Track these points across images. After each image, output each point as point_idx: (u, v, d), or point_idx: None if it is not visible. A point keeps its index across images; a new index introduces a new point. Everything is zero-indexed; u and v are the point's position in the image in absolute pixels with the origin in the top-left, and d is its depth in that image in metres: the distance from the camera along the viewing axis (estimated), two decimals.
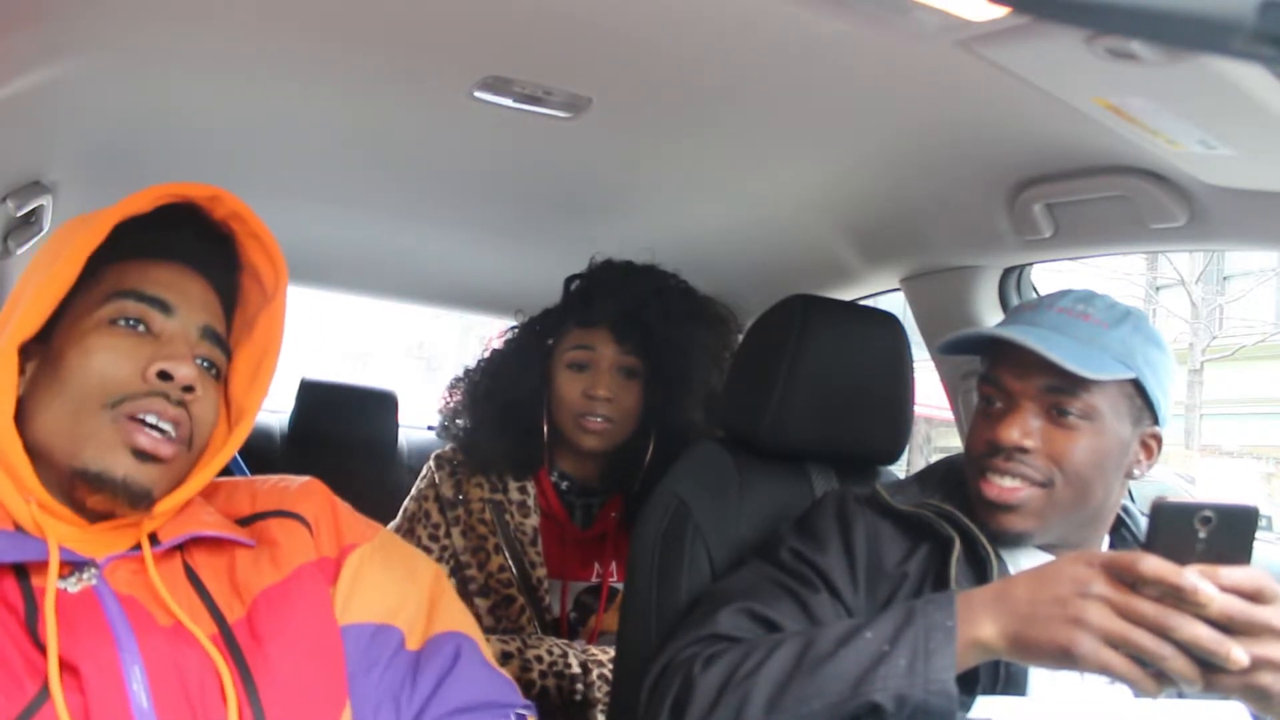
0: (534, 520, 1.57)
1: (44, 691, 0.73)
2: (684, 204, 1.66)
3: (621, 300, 1.57)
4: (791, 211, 1.62)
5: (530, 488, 1.60)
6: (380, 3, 1.04)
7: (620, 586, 1.60)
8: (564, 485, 1.64)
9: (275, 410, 2.68)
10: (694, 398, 1.58)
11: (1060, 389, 1.03)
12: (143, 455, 0.83)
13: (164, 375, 0.85)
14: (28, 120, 1.24)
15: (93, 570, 0.82)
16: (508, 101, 1.24)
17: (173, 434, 0.85)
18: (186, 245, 0.93)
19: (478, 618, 1.44)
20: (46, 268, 0.86)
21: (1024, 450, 1.03)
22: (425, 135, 1.42)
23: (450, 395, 1.68)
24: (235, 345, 0.95)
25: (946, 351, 1.15)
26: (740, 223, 1.71)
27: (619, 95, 1.22)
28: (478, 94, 1.22)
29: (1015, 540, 1.05)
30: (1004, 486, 1.04)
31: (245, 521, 0.95)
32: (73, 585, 0.80)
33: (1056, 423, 1.03)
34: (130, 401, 0.84)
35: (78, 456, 0.82)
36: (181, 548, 0.89)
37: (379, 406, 2.67)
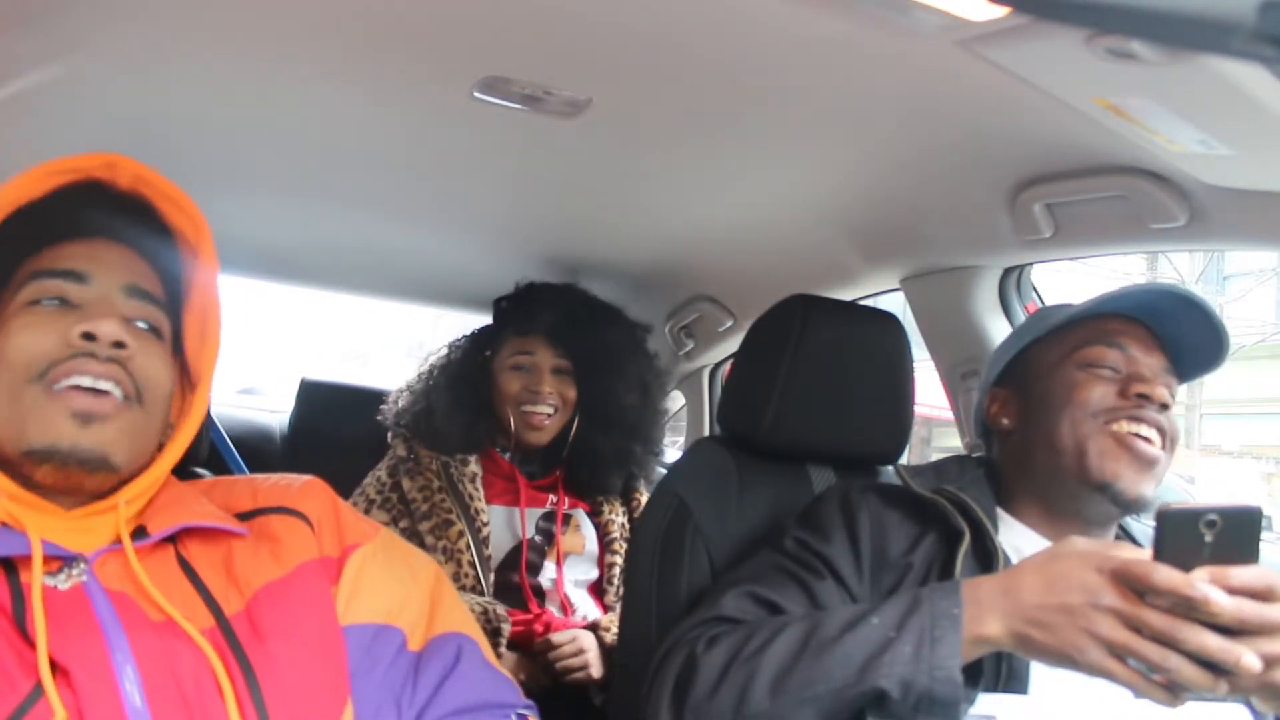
0: (474, 468, 1.81)
1: (37, 689, 0.73)
2: (684, 204, 1.66)
3: (556, 311, 1.85)
4: (791, 211, 1.62)
5: (473, 452, 1.84)
6: (380, 3, 1.04)
7: (572, 512, 1.86)
8: (506, 455, 1.87)
9: (275, 410, 2.68)
10: (624, 383, 1.86)
11: (1170, 371, 1.11)
12: (84, 417, 0.82)
13: (88, 336, 0.83)
14: (28, 120, 1.24)
15: (82, 566, 0.81)
16: (508, 102, 1.24)
17: (112, 391, 0.83)
18: (98, 220, 0.90)
19: (420, 540, 1.71)
20: None
21: (1166, 406, 1.08)
22: (425, 135, 1.42)
23: (395, 400, 1.94)
24: (184, 311, 0.94)
25: (1103, 304, 1.14)
26: (740, 223, 1.71)
27: (619, 95, 1.22)
28: (478, 94, 1.22)
29: (1133, 507, 1.09)
30: (1149, 439, 1.07)
31: (245, 517, 0.94)
32: (62, 582, 0.80)
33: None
34: (56, 367, 0.82)
35: (23, 438, 0.82)
36: (175, 540, 0.88)
37: (379, 407, 2.66)
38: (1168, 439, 1.08)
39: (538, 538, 1.80)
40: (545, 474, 1.89)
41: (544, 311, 1.85)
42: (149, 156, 1.47)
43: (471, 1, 1.02)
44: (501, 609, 1.64)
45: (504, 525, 1.79)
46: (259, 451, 2.39)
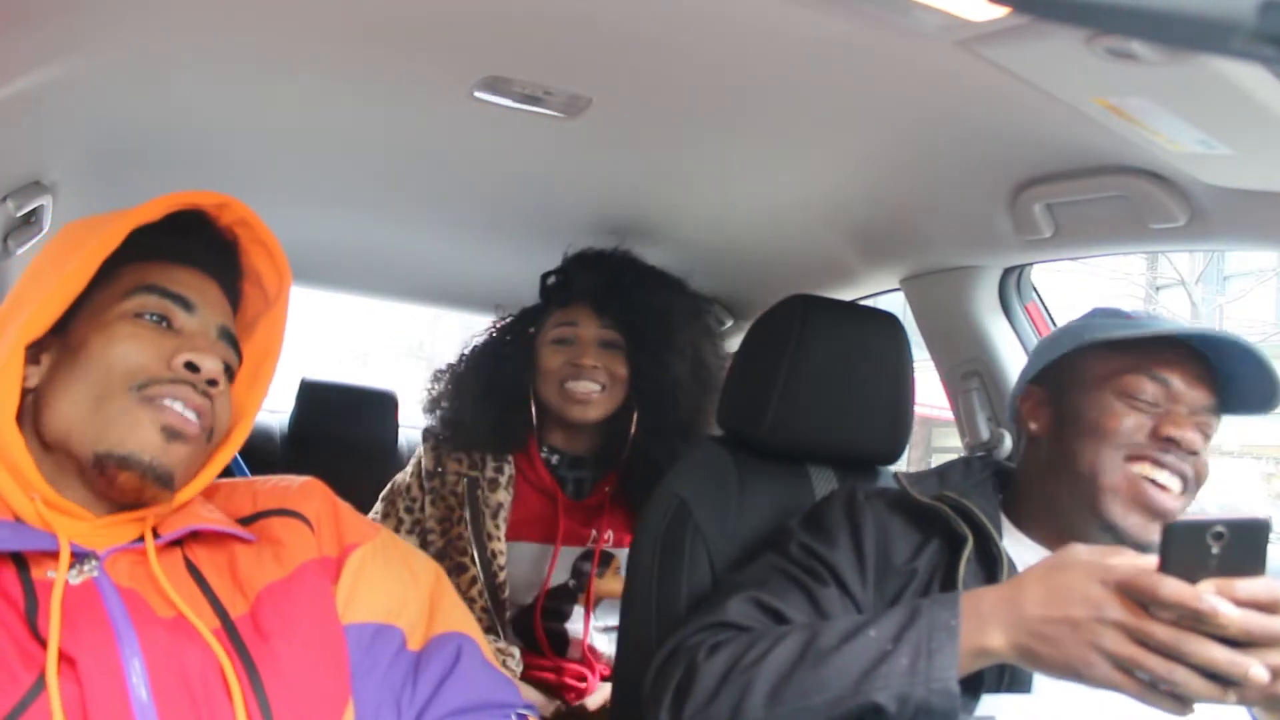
0: (501, 496, 1.61)
1: (39, 683, 0.73)
2: (683, 204, 1.66)
3: (598, 275, 1.64)
4: (791, 211, 1.61)
5: (507, 467, 1.63)
6: (380, 3, 1.04)
7: (615, 552, 1.65)
8: (554, 460, 1.67)
9: (275, 410, 2.68)
10: (678, 355, 1.62)
11: (1211, 410, 1.07)
12: (171, 433, 0.84)
13: (190, 366, 0.86)
14: (28, 120, 1.24)
15: (94, 562, 0.82)
16: (508, 101, 1.24)
17: (195, 423, 0.86)
18: (199, 251, 0.94)
19: None
20: (57, 268, 0.86)
21: (1195, 453, 1.04)
22: (425, 135, 1.42)
23: (434, 384, 1.74)
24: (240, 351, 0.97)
25: (1131, 338, 1.10)
26: (740, 223, 1.71)
27: (619, 95, 1.22)
28: (478, 94, 1.22)
29: (1139, 548, 1.02)
30: (1171, 488, 1.04)
31: (246, 521, 0.95)
32: (73, 577, 0.81)
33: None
34: (156, 386, 0.85)
35: (103, 439, 0.83)
36: (181, 543, 0.89)
37: (379, 406, 2.67)
38: (1191, 484, 1.05)
39: (571, 581, 1.62)
40: (595, 484, 1.68)
41: (586, 277, 1.65)
42: (148, 156, 1.49)
43: (471, 1, 1.02)
44: (516, 657, 1.53)
45: (532, 566, 1.61)
46: (259, 451, 2.39)
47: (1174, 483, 1.04)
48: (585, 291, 1.64)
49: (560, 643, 1.63)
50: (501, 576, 1.57)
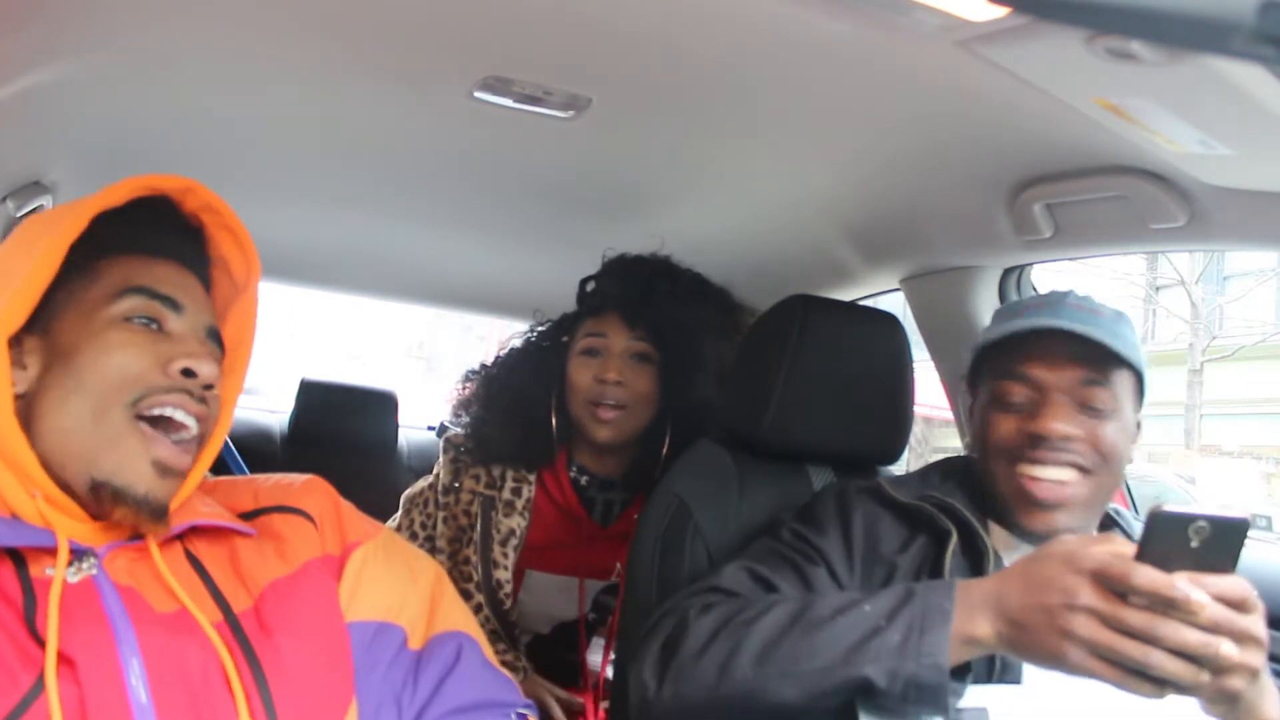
0: (515, 522, 1.55)
1: (38, 685, 0.73)
2: (684, 204, 1.66)
3: (629, 283, 1.56)
4: (791, 211, 1.62)
5: (526, 489, 1.57)
6: (380, 3, 1.04)
7: None
8: (583, 480, 1.60)
9: (275, 410, 2.68)
10: (706, 375, 1.55)
11: (1094, 381, 1.06)
12: (163, 469, 0.83)
13: (187, 373, 0.85)
14: (28, 120, 1.24)
15: (92, 560, 0.81)
16: (508, 101, 1.24)
17: (194, 430, 0.85)
18: (172, 241, 0.92)
19: None
20: (24, 260, 0.84)
21: (1068, 438, 1.04)
22: (425, 135, 1.42)
23: (463, 387, 1.67)
24: None
25: (977, 351, 1.15)
26: (740, 223, 1.72)
27: (619, 95, 1.23)
28: (478, 94, 1.22)
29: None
30: (1052, 479, 1.05)
31: (247, 516, 0.95)
32: (72, 575, 0.80)
33: (1088, 413, 1.06)
34: (152, 396, 0.83)
35: (98, 464, 0.81)
36: (182, 538, 0.88)
37: (379, 406, 2.67)
38: (1093, 465, 1.05)
39: (591, 615, 1.58)
40: (625, 508, 1.60)
41: (615, 283, 1.56)
42: (148, 157, 1.49)
43: (471, 1, 1.02)
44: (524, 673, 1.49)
45: (553, 597, 1.56)
46: (259, 451, 2.40)
47: (1060, 473, 1.05)
48: (615, 299, 1.56)
49: (574, 672, 1.61)
50: (508, 604, 1.52)
